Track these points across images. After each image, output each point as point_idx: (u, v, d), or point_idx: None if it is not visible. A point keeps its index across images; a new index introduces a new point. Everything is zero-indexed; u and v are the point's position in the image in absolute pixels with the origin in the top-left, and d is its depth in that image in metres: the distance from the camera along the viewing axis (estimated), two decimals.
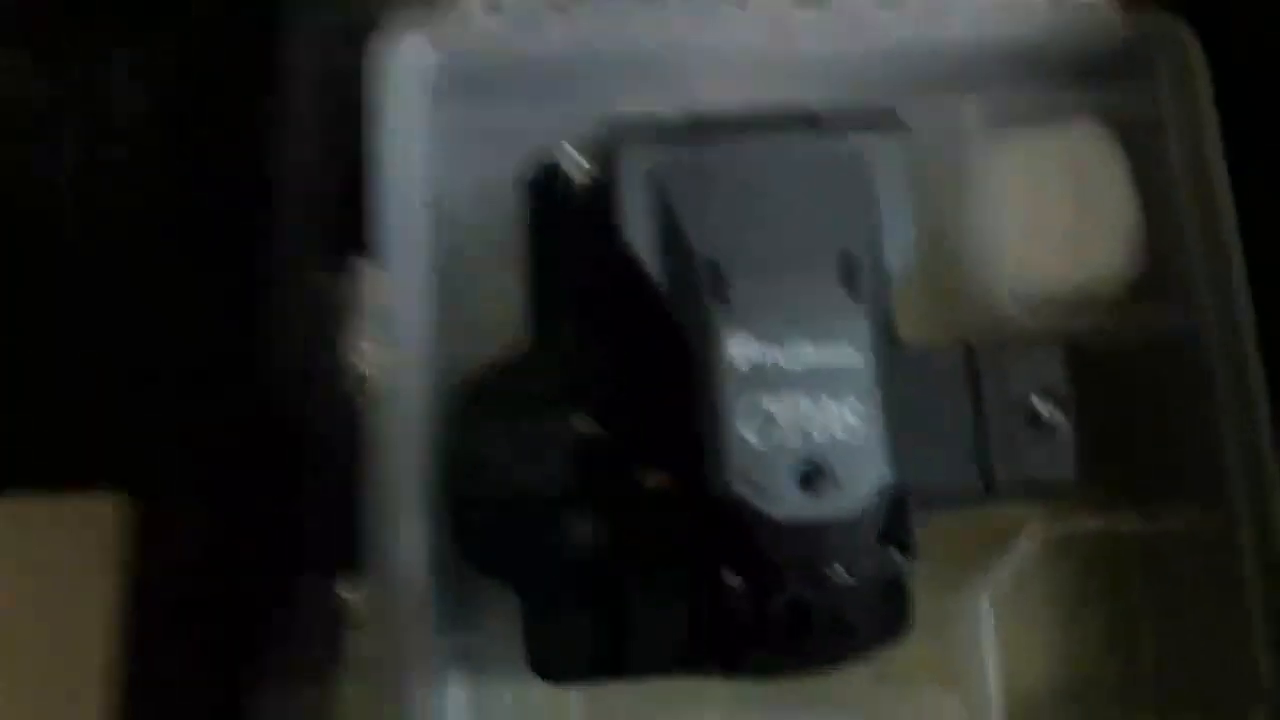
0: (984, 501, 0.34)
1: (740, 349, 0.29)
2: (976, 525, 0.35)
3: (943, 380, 0.33)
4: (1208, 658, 0.35)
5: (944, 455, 0.33)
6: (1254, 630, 0.33)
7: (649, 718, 0.35)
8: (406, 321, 0.33)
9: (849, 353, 0.29)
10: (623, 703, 0.35)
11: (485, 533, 0.32)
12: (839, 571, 0.30)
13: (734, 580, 0.30)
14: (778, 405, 0.28)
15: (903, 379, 0.31)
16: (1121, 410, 0.35)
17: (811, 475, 0.28)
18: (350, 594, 0.36)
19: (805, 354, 0.29)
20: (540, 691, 0.34)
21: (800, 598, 0.30)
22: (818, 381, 0.28)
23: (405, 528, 0.31)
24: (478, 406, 0.32)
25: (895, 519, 0.32)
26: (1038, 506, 0.35)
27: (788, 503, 0.28)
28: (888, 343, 0.32)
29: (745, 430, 0.28)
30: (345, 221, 0.34)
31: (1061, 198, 0.36)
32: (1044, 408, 0.33)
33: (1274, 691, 0.33)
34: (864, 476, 0.28)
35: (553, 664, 0.32)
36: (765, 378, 0.28)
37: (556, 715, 0.35)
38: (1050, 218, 0.36)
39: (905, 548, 0.32)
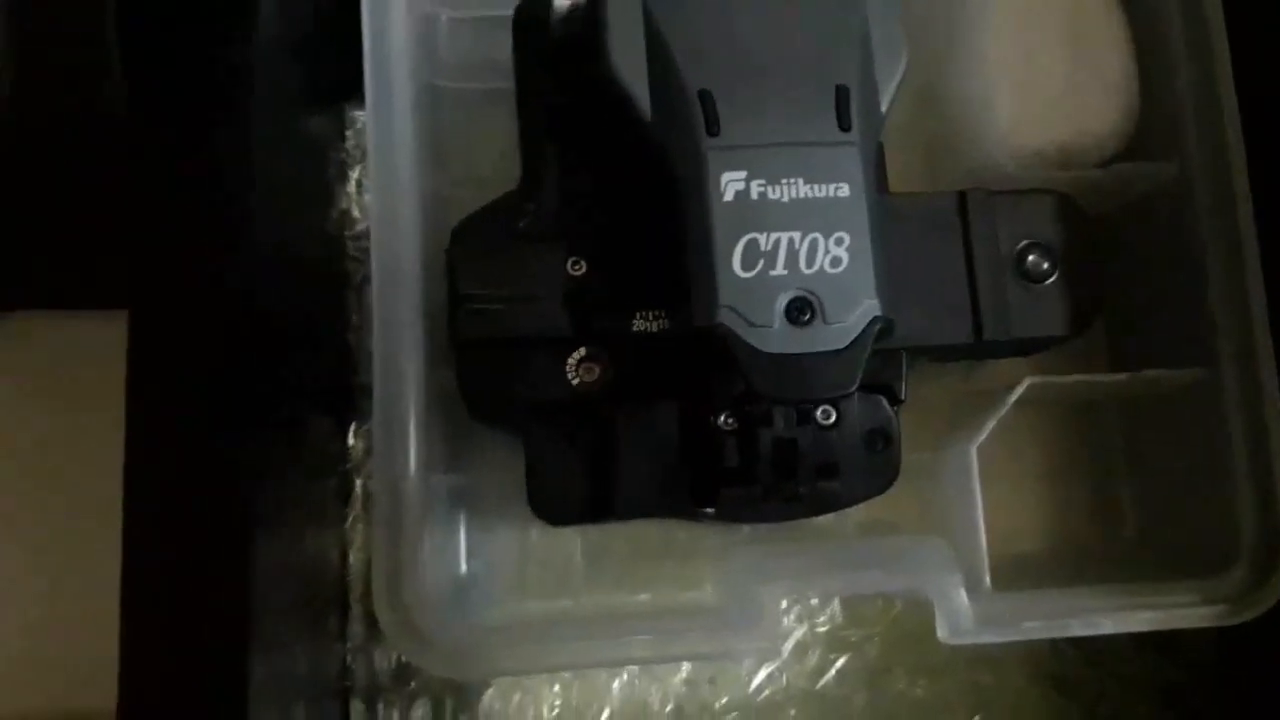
0: (972, 352, 0.34)
1: (731, 182, 0.28)
2: (965, 380, 0.35)
3: (934, 228, 0.33)
4: (1190, 515, 0.35)
5: (933, 304, 0.32)
6: (1237, 488, 0.33)
7: (642, 563, 0.35)
8: (399, 166, 0.32)
9: (840, 186, 0.28)
10: (618, 546, 0.35)
11: (486, 380, 0.32)
12: (825, 412, 0.31)
13: (723, 418, 0.31)
14: (767, 238, 0.28)
15: (893, 225, 0.30)
16: (1111, 267, 0.34)
17: (800, 308, 0.28)
18: (353, 436, 0.37)
19: (796, 187, 0.28)
20: (539, 532, 0.34)
21: (787, 437, 0.30)
22: (808, 215, 0.28)
23: (404, 370, 0.31)
24: (473, 251, 0.32)
25: (883, 366, 0.32)
26: (1025, 360, 0.35)
27: (775, 335, 0.28)
28: (879, 186, 0.31)
29: (734, 263, 0.28)
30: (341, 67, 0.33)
31: (1056, 50, 0.35)
32: (1035, 260, 0.33)
33: (1256, 549, 0.33)
34: (852, 310, 0.28)
35: (552, 506, 0.32)
36: (755, 211, 0.28)
37: (555, 556, 0.35)
38: (1044, 70, 0.35)
39: (893, 396, 0.33)
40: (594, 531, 0.35)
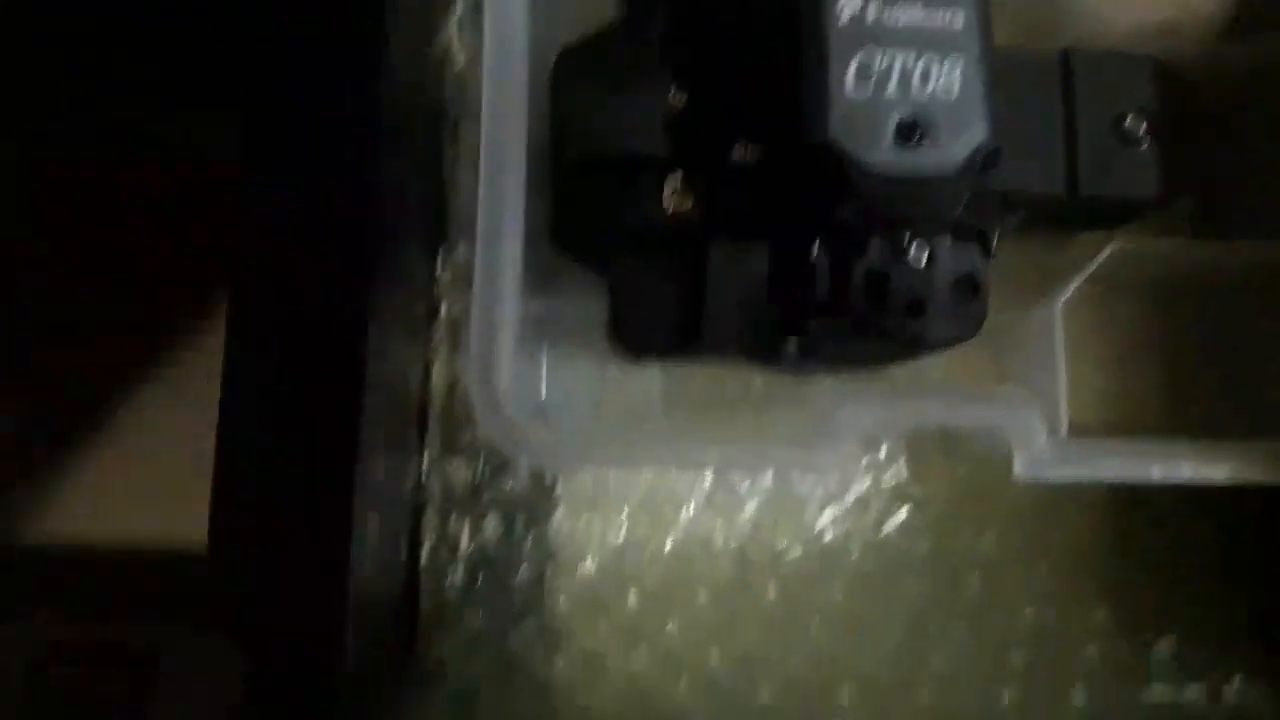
0: (1065, 209, 0.34)
1: (848, 3, 0.28)
2: (1056, 241, 0.36)
3: (1036, 81, 0.33)
4: (1260, 390, 0.36)
5: (1030, 154, 0.33)
6: None
7: (719, 410, 0.35)
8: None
9: (955, 14, 0.29)
10: (695, 391, 0.36)
11: (580, 205, 0.32)
12: (920, 246, 0.31)
13: (815, 251, 0.31)
14: (882, 58, 0.28)
15: (998, 76, 0.31)
16: (1207, 139, 0.35)
17: (910, 129, 0.28)
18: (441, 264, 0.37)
19: (913, 11, 0.28)
20: (618, 373, 0.35)
21: (880, 269, 0.30)
22: (924, 39, 0.28)
23: (506, 196, 0.31)
24: (577, 73, 0.32)
25: (978, 212, 0.32)
26: (1115, 228, 0.35)
27: (885, 155, 0.28)
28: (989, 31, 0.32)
29: (847, 82, 0.28)
30: None
31: None
32: (1133, 123, 0.34)
33: None
34: (962, 135, 0.28)
35: (634, 338, 0.32)
36: (871, 31, 0.28)
37: (632, 399, 0.36)
38: None
39: (985, 246, 0.33)
40: (672, 376, 0.36)
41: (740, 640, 0.36)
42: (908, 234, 0.30)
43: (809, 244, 0.31)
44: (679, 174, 0.32)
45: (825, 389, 0.34)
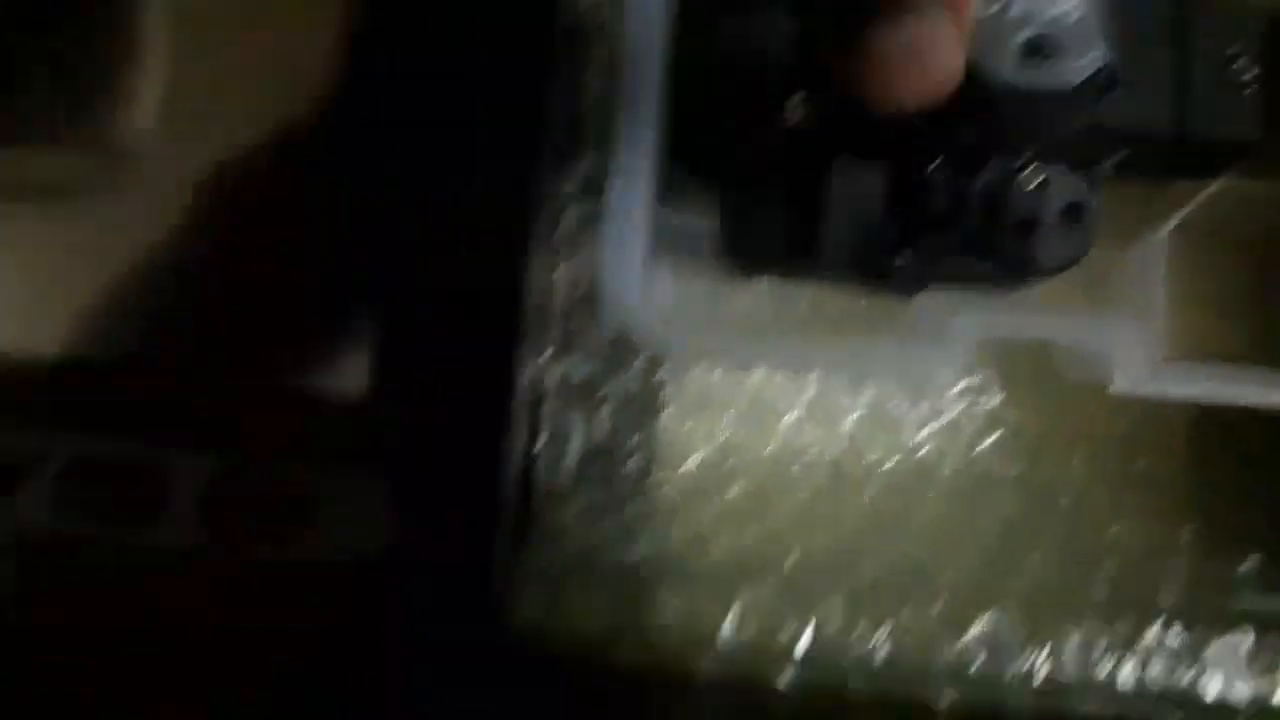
0: (1169, 148, 0.35)
1: None
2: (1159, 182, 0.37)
3: (1151, 18, 0.34)
4: None
5: (1140, 92, 0.34)
6: None
7: (825, 331, 0.37)
8: None
9: None
10: (802, 312, 0.37)
11: (702, 119, 0.34)
12: (1036, 169, 0.32)
13: (933, 168, 0.33)
14: None
15: (1114, 12, 0.32)
16: None
17: (1035, 46, 0.30)
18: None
19: None
20: (729, 292, 0.37)
21: (995, 187, 0.32)
22: None
23: (645, 107, 0.33)
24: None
25: (1089, 145, 0.33)
26: (1215, 175, 0.36)
27: (1011, 69, 0.30)
28: None
29: None
30: None
31: None
32: (1241, 66, 0.35)
33: None
34: (1084, 55, 0.30)
35: (747, 253, 0.34)
36: None
37: (740, 318, 0.37)
38: None
39: (1094, 178, 0.34)
40: (781, 296, 0.38)
41: (830, 541, 0.38)
42: (1024, 157, 0.32)
43: (928, 162, 0.33)
44: (801, 93, 0.33)
45: (930, 306, 0.35)
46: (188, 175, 0.38)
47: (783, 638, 0.36)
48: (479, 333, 0.36)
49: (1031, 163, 0.32)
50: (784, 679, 0.36)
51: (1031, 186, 0.32)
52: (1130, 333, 0.33)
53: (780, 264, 0.34)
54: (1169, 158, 0.36)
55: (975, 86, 0.30)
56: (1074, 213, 0.34)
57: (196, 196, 0.38)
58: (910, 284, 0.35)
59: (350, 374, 0.36)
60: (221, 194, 0.38)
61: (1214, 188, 0.35)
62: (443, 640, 0.35)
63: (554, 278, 0.38)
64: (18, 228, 0.37)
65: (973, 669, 0.36)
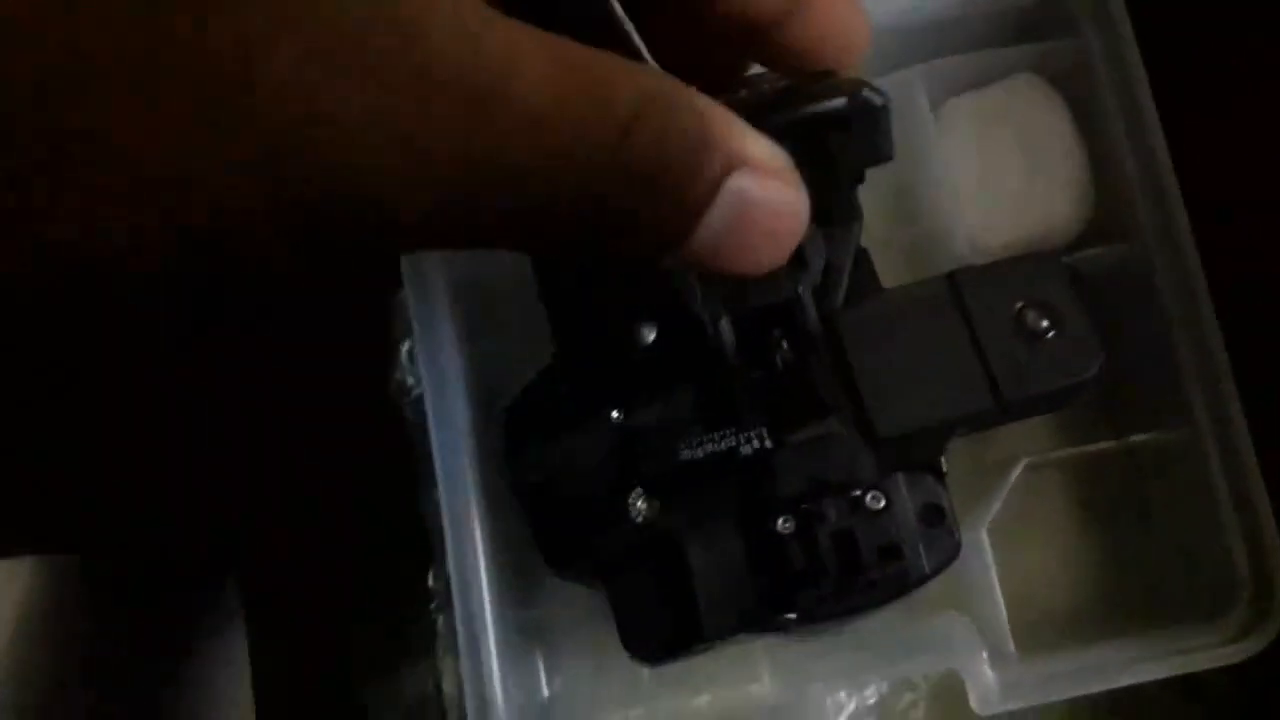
0: (998, 418, 0.34)
1: None
2: (969, 464, 0.38)
3: (932, 311, 0.35)
4: (1189, 561, 0.38)
5: (950, 380, 0.34)
6: (1227, 530, 0.36)
7: (704, 663, 0.37)
8: (444, 346, 0.36)
9: None
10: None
11: (558, 537, 0.34)
12: (875, 497, 0.33)
13: (780, 522, 0.32)
14: None
15: (895, 318, 0.33)
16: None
17: None
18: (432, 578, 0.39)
19: None
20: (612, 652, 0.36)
21: (843, 527, 0.32)
22: None
23: (469, 522, 0.34)
24: (524, 425, 0.34)
25: (926, 445, 0.34)
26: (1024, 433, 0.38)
27: None
28: (871, 287, 0.35)
29: None
30: None
31: (1010, 152, 0.39)
32: (1034, 317, 0.34)
33: (1251, 579, 0.36)
34: None
35: (646, 645, 0.33)
36: None
37: (626, 669, 0.37)
38: (1002, 172, 0.39)
39: (937, 472, 0.34)
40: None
41: None
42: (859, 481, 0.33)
43: (772, 519, 0.33)
44: (638, 489, 0.34)
45: (795, 646, 0.36)
46: None
47: None
48: None
49: (869, 491, 0.33)
50: None
51: (877, 507, 0.33)
52: (974, 650, 0.34)
53: (677, 647, 0.34)
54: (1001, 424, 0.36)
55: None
56: (932, 513, 0.34)
57: None
58: (806, 629, 0.35)
59: None
60: None
61: (1017, 471, 0.36)
62: None
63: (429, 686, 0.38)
64: None
65: None
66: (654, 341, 0.33)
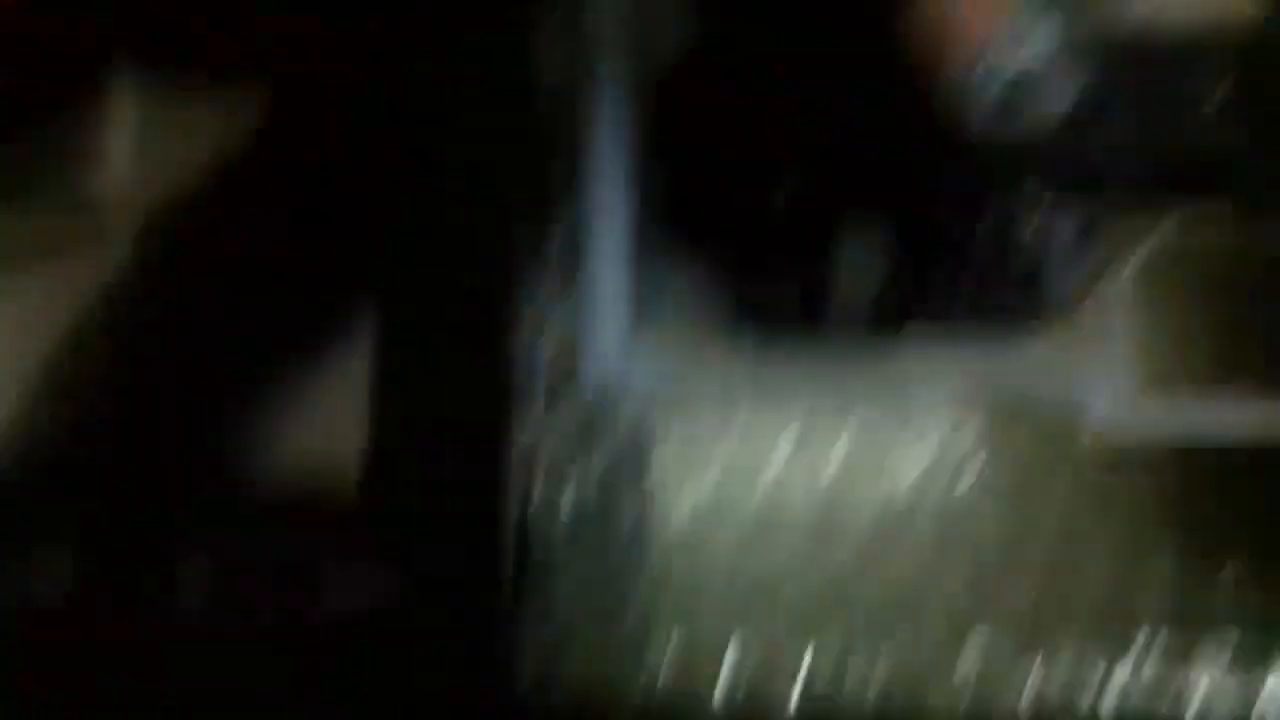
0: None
1: None
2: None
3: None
4: None
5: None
6: None
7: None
8: None
9: None
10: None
11: (693, 199, 0.35)
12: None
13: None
14: None
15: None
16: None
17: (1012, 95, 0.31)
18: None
19: None
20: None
21: (997, 233, 0.33)
22: None
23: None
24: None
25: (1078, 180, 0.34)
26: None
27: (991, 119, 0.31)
28: None
29: None
30: None
31: None
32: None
33: None
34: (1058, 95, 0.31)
35: (763, 322, 0.35)
36: None
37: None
38: None
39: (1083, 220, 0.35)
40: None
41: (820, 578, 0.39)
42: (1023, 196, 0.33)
43: (931, 213, 0.33)
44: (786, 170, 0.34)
45: (913, 350, 0.36)
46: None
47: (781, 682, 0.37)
48: (467, 398, 0.36)
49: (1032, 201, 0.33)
50: None
51: (1031, 228, 0.33)
52: (1104, 371, 0.34)
53: (797, 327, 0.35)
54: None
55: (959, 144, 0.31)
56: (1081, 240, 0.34)
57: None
58: (917, 333, 0.35)
59: (341, 438, 0.37)
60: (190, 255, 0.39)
61: (1171, 218, 0.36)
62: (448, 703, 0.35)
63: (539, 340, 0.39)
64: None
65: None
66: None
